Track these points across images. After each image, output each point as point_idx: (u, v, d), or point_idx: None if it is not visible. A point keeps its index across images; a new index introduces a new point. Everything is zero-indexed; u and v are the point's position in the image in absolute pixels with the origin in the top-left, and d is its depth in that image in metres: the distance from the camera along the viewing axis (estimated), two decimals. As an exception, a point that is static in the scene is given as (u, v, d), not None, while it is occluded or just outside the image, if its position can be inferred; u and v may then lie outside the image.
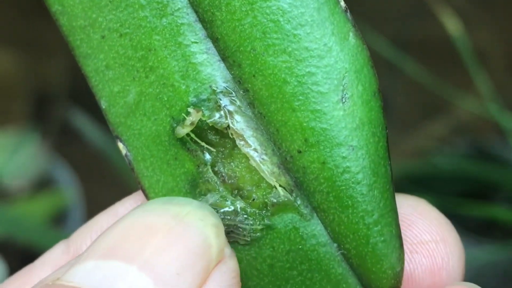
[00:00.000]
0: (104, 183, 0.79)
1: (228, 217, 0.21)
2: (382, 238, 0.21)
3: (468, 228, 0.70)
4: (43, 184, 0.76)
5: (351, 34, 0.21)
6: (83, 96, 0.86)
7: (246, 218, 0.21)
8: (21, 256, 0.64)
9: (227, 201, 0.21)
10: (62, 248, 0.25)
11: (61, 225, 0.73)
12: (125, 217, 0.19)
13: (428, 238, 0.23)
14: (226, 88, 0.21)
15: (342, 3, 0.21)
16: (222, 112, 0.21)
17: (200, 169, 0.21)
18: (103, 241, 0.18)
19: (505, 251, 0.63)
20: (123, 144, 0.22)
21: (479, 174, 0.62)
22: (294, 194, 0.21)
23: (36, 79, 0.88)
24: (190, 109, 0.21)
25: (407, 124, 0.87)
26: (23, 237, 0.59)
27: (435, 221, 0.23)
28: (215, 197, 0.21)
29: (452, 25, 0.48)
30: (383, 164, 0.21)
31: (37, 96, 0.87)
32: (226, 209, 0.21)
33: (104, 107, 0.22)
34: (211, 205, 0.21)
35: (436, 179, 0.73)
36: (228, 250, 0.19)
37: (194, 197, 0.21)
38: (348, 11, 0.21)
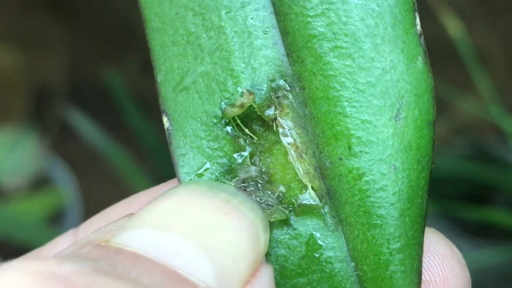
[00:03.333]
0: (102, 182, 0.79)
1: None
2: (403, 268, 0.20)
3: (468, 230, 0.70)
4: (40, 182, 0.76)
5: (420, 58, 0.20)
6: (82, 94, 0.86)
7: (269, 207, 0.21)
8: (18, 255, 0.63)
9: (258, 192, 0.21)
10: (70, 237, 0.24)
11: (58, 224, 0.73)
12: (174, 191, 0.18)
13: (427, 278, 0.22)
14: (283, 83, 0.21)
15: (418, 27, 0.20)
16: (273, 104, 0.21)
17: (238, 157, 0.21)
18: (154, 211, 0.18)
19: (505, 254, 0.62)
20: (168, 118, 0.21)
21: (479, 175, 0.62)
22: (323, 201, 0.21)
23: (35, 76, 0.88)
24: (244, 90, 0.21)
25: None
26: (20, 236, 0.59)
27: (438, 258, 0.22)
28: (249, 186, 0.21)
29: (453, 26, 0.48)
30: (420, 195, 0.20)
31: (36, 94, 0.87)
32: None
33: (159, 80, 0.21)
34: None
35: (435, 180, 0.73)
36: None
37: (226, 181, 0.21)
38: (422, 36, 0.20)
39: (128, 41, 0.93)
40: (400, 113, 0.20)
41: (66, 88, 0.87)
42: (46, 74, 0.89)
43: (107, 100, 0.69)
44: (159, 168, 0.69)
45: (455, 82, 0.66)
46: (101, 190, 0.78)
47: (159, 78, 0.22)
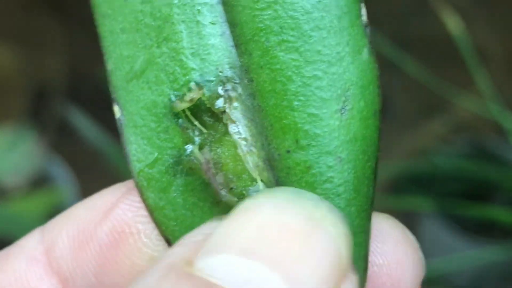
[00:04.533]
0: (101, 181, 0.79)
1: None
2: None
3: (468, 228, 0.70)
4: (39, 181, 0.76)
5: (365, 49, 0.20)
6: (81, 93, 0.86)
7: None
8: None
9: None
10: (37, 237, 0.24)
11: (58, 223, 0.72)
12: (256, 207, 0.18)
13: (381, 261, 0.22)
14: (232, 74, 0.21)
15: (364, 18, 0.20)
16: (222, 96, 0.21)
17: (187, 148, 0.21)
18: (239, 234, 0.17)
19: (505, 252, 0.62)
20: (119, 107, 0.22)
21: (479, 173, 0.62)
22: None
23: (34, 75, 0.88)
24: (193, 85, 0.21)
25: (407, 122, 0.86)
26: (19, 235, 0.58)
27: (391, 242, 0.23)
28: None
29: (453, 23, 0.48)
30: (366, 184, 0.20)
31: (35, 93, 0.87)
32: None
33: (109, 68, 0.21)
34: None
35: (435, 179, 0.73)
36: (351, 264, 0.19)
37: (175, 173, 0.21)
38: (368, 27, 0.20)
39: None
40: (346, 105, 0.20)
41: (65, 87, 0.87)
42: (45, 73, 0.89)
43: (106, 99, 0.69)
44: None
45: (455, 80, 0.65)
46: (100, 189, 0.78)
47: (110, 65, 0.21)
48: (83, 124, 0.66)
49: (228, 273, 0.17)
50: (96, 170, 0.78)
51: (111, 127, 0.79)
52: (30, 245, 0.24)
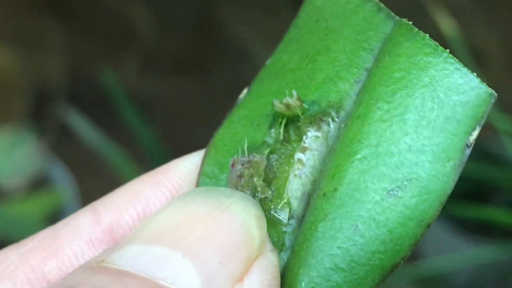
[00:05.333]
0: (101, 182, 0.79)
1: None
2: None
3: (467, 228, 0.70)
4: (39, 183, 0.76)
5: (452, 163, 0.20)
6: (81, 95, 0.86)
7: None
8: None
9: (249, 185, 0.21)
10: (90, 217, 0.23)
11: (58, 224, 0.73)
12: (168, 206, 0.19)
13: None
14: (336, 113, 0.22)
15: (471, 139, 0.20)
16: (315, 122, 0.22)
17: (261, 146, 0.22)
18: (147, 227, 0.18)
19: (504, 251, 0.62)
20: (247, 91, 0.23)
21: (478, 173, 0.62)
22: (290, 222, 0.21)
23: (34, 77, 0.88)
24: (294, 93, 0.22)
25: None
26: (19, 236, 0.59)
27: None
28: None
29: (447, 25, 0.48)
30: (365, 272, 0.19)
31: (34, 95, 0.87)
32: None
33: (267, 63, 0.23)
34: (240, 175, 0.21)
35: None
36: (269, 245, 0.19)
37: (236, 162, 0.22)
38: (470, 149, 0.20)
39: (127, 42, 0.93)
40: (396, 191, 0.20)
41: (65, 89, 0.87)
42: (45, 75, 0.89)
43: (106, 101, 0.69)
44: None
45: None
46: (100, 191, 0.78)
47: (268, 61, 0.23)
48: (83, 126, 0.66)
49: (131, 260, 0.17)
50: (96, 172, 0.78)
51: (111, 129, 0.79)
52: (85, 225, 0.23)
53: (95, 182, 0.80)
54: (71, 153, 0.80)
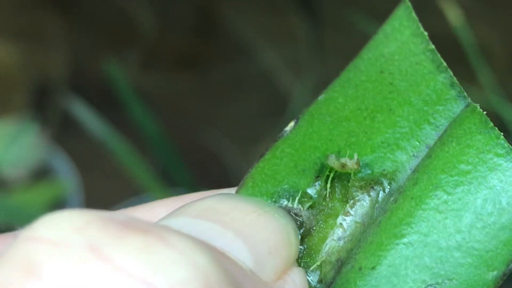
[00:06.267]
0: (103, 173, 0.79)
1: None
2: None
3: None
4: (41, 174, 0.76)
5: (496, 273, 0.19)
6: (84, 87, 0.86)
7: None
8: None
9: None
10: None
11: (59, 216, 0.73)
12: (211, 195, 0.19)
13: None
14: (388, 184, 0.21)
15: None
16: (366, 189, 0.21)
17: (301, 197, 0.21)
18: (193, 205, 0.18)
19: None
20: (294, 125, 0.22)
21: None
22: (318, 286, 0.21)
23: (37, 69, 0.88)
24: (356, 158, 0.21)
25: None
26: (21, 227, 0.59)
27: None
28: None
29: (454, 16, 0.48)
30: None
31: (37, 86, 0.87)
32: None
33: (319, 98, 0.22)
34: None
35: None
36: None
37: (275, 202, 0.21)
38: None
39: (129, 36, 0.93)
40: (435, 287, 0.19)
41: (68, 81, 0.87)
42: (48, 68, 0.89)
43: (109, 93, 0.69)
44: (161, 161, 0.69)
45: (457, 75, 0.66)
46: (102, 182, 0.79)
47: (321, 97, 0.22)
48: (86, 117, 0.66)
49: (186, 227, 0.17)
50: (98, 163, 0.78)
51: (114, 120, 0.79)
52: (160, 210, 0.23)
53: (98, 173, 0.80)
54: (73, 143, 0.80)
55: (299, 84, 0.82)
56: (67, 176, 0.76)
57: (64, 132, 0.81)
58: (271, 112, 0.86)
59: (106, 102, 0.75)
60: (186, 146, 0.82)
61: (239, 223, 0.18)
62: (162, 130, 0.64)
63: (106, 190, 0.79)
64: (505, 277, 0.19)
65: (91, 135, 0.66)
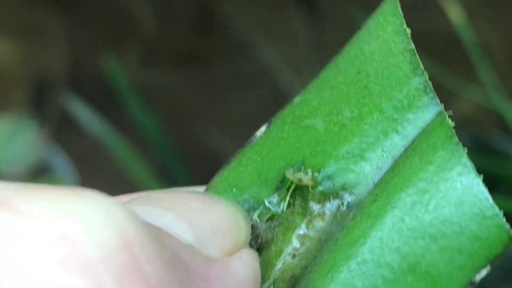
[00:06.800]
0: (102, 171, 0.79)
1: None
2: None
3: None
4: (40, 172, 0.76)
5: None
6: (83, 84, 0.86)
7: None
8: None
9: None
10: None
11: (58, 213, 0.73)
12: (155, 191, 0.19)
13: None
14: (349, 199, 0.20)
15: (479, 277, 0.19)
16: (323, 203, 0.20)
17: (261, 208, 0.21)
18: (140, 197, 0.18)
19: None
20: (265, 130, 0.21)
21: (481, 167, 0.62)
22: None
23: (35, 66, 0.88)
24: (310, 172, 0.20)
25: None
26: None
27: None
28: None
29: (455, 13, 0.48)
30: None
31: (36, 84, 0.87)
32: None
33: (294, 100, 0.22)
34: None
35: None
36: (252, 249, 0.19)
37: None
38: (474, 286, 0.19)
39: (128, 33, 0.93)
40: None
41: (66, 79, 0.87)
42: (46, 65, 0.89)
43: (108, 91, 0.69)
44: (160, 159, 0.69)
45: (458, 73, 0.65)
46: (101, 180, 0.78)
47: (296, 99, 0.21)
48: (84, 114, 0.66)
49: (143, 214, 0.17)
50: (97, 160, 0.78)
51: (112, 118, 0.79)
52: None
53: (96, 171, 0.80)
54: (72, 141, 0.80)
55: (299, 81, 0.82)
56: (65, 174, 0.76)
57: (63, 130, 0.81)
58: (271, 110, 0.86)
59: (105, 100, 0.75)
60: (185, 143, 0.82)
61: (182, 207, 0.18)
62: (161, 128, 0.64)
63: (104, 188, 0.78)
64: None
65: (90, 132, 0.66)
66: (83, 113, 0.67)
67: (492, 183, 0.73)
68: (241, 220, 0.19)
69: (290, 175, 0.20)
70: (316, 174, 0.20)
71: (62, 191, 0.14)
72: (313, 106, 0.21)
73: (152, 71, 0.92)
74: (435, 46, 0.97)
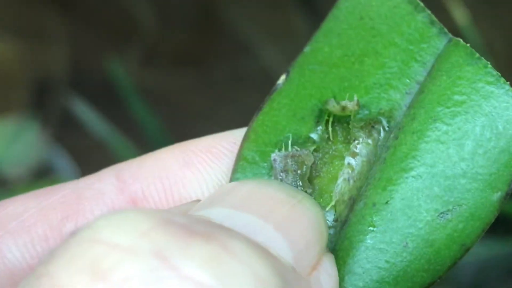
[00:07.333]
0: (104, 172, 0.79)
1: None
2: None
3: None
4: (42, 172, 0.76)
5: (500, 194, 0.21)
6: (84, 85, 0.86)
7: None
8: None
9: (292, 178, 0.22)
10: (114, 183, 0.23)
11: (60, 214, 0.73)
12: (244, 182, 0.19)
13: None
14: (387, 122, 0.22)
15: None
16: (367, 128, 0.22)
17: (306, 142, 0.22)
18: (230, 195, 0.19)
19: (507, 246, 0.62)
20: (286, 78, 0.23)
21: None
22: (334, 224, 0.21)
23: (37, 67, 0.88)
24: (356, 100, 0.22)
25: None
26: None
27: None
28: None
29: (460, 14, 0.48)
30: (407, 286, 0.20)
31: (37, 84, 0.87)
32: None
33: (305, 50, 0.23)
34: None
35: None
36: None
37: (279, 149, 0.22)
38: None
39: (130, 33, 0.93)
40: (447, 214, 0.20)
41: (68, 79, 0.87)
42: (48, 65, 0.89)
43: (109, 91, 0.69)
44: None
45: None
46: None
47: (307, 49, 0.23)
48: (86, 115, 0.66)
49: (226, 219, 0.17)
50: (99, 161, 0.78)
51: (114, 118, 0.79)
52: (109, 192, 0.23)
53: (98, 171, 0.80)
54: (74, 141, 0.80)
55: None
56: (68, 174, 0.76)
57: (65, 130, 0.81)
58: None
59: (106, 100, 0.75)
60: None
61: (277, 216, 0.18)
62: (163, 127, 0.64)
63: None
64: (508, 196, 0.21)
65: (92, 132, 0.66)
66: (85, 113, 0.67)
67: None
68: (323, 224, 0.19)
69: (332, 105, 0.22)
70: (356, 99, 0.22)
71: (214, 246, 0.15)
72: (325, 51, 0.23)
73: (154, 71, 0.92)
74: None
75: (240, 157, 0.22)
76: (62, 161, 0.77)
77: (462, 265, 0.66)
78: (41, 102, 0.84)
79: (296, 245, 0.18)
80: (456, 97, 0.21)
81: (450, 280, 0.68)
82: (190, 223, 0.16)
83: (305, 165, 0.22)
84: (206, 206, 0.18)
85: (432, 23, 0.23)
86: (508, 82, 0.21)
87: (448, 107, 0.21)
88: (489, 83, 0.21)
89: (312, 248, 0.18)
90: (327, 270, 0.19)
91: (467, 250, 0.21)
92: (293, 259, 0.17)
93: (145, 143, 0.67)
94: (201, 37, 0.96)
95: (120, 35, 0.93)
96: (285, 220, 0.18)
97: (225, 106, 0.94)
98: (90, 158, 0.79)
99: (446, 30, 0.23)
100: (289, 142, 0.22)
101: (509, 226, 0.66)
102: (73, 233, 0.15)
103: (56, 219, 0.22)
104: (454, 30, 0.51)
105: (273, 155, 0.22)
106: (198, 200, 0.20)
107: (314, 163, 0.22)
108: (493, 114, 0.21)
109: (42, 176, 0.76)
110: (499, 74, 0.21)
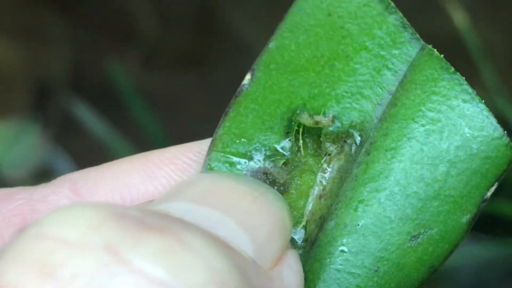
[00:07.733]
0: (105, 174, 0.79)
1: None
2: None
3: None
4: (43, 174, 0.76)
5: (469, 216, 0.20)
6: (85, 86, 0.86)
7: None
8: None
9: None
10: (68, 195, 0.23)
11: (61, 216, 0.73)
12: (205, 175, 0.19)
13: None
14: (359, 136, 0.21)
15: (489, 194, 0.21)
16: (339, 142, 0.21)
17: (274, 155, 0.21)
18: (190, 189, 0.18)
19: (506, 248, 0.62)
20: (251, 78, 0.22)
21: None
22: (303, 244, 0.21)
23: (37, 69, 0.88)
24: (331, 115, 0.21)
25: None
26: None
27: None
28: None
29: (459, 17, 0.48)
30: None
31: (38, 86, 0.87)
32: None
33: (269, 46, 0.22)
34: None
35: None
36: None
37: (243, 161, 0.21)
38: (485, 204, 0.21)
39: (130, 34, 0.93)
40: (418, 238, 0.20)
41: (69, 81, 0.87)
42: (48, 67, 0.89)
43: (110, 92, 0.69)
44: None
45: (462, 75, 0.65)
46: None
47: (271, 45, 0.22)
48: (87, 116, 0.66)
49: (186, 213, 0.17)
50: (100, 162, 0.78)
51: (115, 119, 0.79)
52: (62, 203, 0.22)
53: (99, 174, 0.80)
54: (74, 143, 0.80)
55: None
56: (68, 176, 0.76)
57: (65, 132, 0.81)
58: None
59: (107, 101, 0.75)
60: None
61: (238, 209, 0.18)
62: (164, 129, 0.64)
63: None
64: (476, 218, 0.21)
65: (93, 134, 0.66)
66: (85, 115, 0.67)
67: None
68: (287, 217, 0.19)
69: (305, 118, 0.21)
70: (331, 114, 0.21)
71: (168, 239, 0.15)
72: (292, 50, 0.21)
73: (154, 72, 0.92)
74: (438, 49, 0.97)
75: (207, 168, 0.21)
76: (63, 162, 0.77)
77: (461, 266, 0.66)
78: (42, 103, 0.84)
79: (257, 239, 0.17)
80: (431, 114, 0.20)
81: (449, 282, 0.68)
82: (144, 216, 0.15)
83: (277, 183, 0.21)
84: (165, 200, 0.18)
85: (404, 26, 0.22)
86: (483, 100, 0.21)
87: (422, 125, 0.20)
88: (464, 101, 0.21)
89: (274, 241, 0.18)
90: (291, 265, 0.18)
91: (435, 271, 0.20)
92: (254, 252, 0.17)
93: (146, 144, 0.67)
94: (201, 38, 0.96)
95: (120, 36, 0.93)
96: (246, 213, 0.18)
97: (225, 107, 0.93)
98: (91, 160, 0.79)
99: (418, 35, 0.22)
100: (261, 156, 0.21)
101: (508, 228, 0.66)
102: (22, 230, 0.15)
103: (8, 234, 0.21)
104: (454, 33, 0.51)
105: (244, 170, 0.21)
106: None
107: (285, 181, 0.21)
108: (468, 134, 0.20)
109: (42, 178, 0.76)
110: (475, 91, 0.21)
